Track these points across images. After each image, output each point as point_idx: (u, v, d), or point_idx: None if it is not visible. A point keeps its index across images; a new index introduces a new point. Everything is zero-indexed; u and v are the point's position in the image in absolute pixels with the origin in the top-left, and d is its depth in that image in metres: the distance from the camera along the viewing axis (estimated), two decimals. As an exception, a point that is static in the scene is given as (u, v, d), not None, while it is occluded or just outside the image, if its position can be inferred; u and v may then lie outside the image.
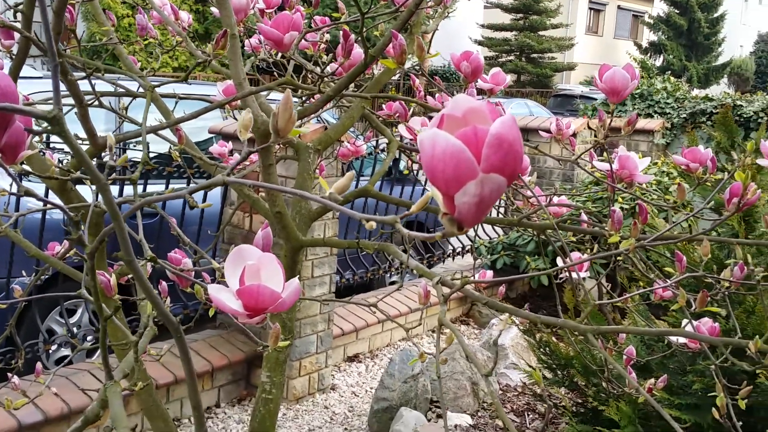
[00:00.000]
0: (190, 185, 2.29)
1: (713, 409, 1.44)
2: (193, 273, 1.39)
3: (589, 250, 4.10)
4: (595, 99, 15.72)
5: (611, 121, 1.61)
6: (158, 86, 1.74)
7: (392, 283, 5.60)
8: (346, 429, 3.73)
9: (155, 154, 3.91)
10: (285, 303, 0.88)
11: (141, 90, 2.19)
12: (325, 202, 0.61)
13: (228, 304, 0.83)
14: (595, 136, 5.95)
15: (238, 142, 3.76)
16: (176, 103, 2.17)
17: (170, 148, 2.09)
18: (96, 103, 1.76)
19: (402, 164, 4.95)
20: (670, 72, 12.58)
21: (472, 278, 1.41)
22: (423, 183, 5.19)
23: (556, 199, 2.32)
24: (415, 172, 4.83)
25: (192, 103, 2.75)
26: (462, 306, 5.39)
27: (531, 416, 3.86)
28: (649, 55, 32.32)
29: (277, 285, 0.88)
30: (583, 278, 2.23)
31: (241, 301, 0.85)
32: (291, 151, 2.44)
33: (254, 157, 2.74)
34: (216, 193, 4.24)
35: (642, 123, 7.11)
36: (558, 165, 5.72)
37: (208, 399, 3.72)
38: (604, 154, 1.70)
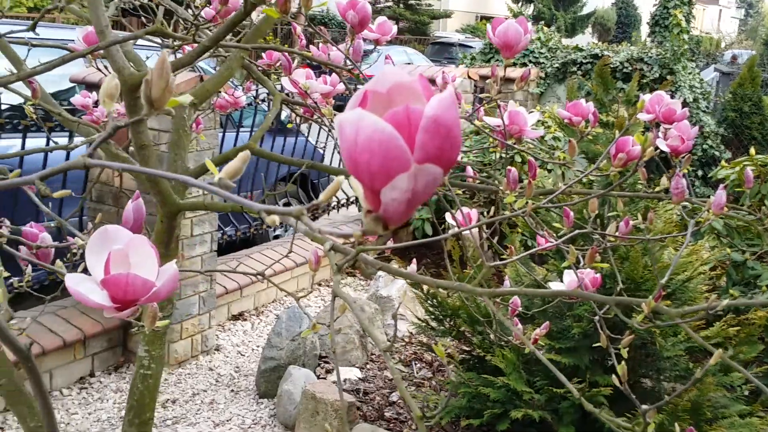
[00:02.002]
0: (51, 144, 2.09)
1: (613, 375, 1.45)
2: (53, 249, 1.24)
3: (476, 204, 4.14)
4: (473, 47, 15.93)
5: (504, 75, 1.57)
6: (5, 35, 1.53)
7: (276, 237, 5.48)
8: (232, 391, 3.64)
9: (7, 106, 3.58)
10: (161, 292, 0.78)
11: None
12: (215, 191, 0.51)
13: (90, 297, 0.72)
14: (475, 86, 6.00)
15: (104, 93, 3.49)
16: (28, 50, 1.94)
17: (24, 101, 1.88)
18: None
19: (284, 115, 4.79)
20: (543, 22, 12.87)
21: (365, 244, 1.35)
22: (306, 135, 5.06)
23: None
24: (297, 124, 4.71)
25: (48, 49, 2.49)
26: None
27: (419, 365, 3.91)
28: (520, 4, 33.03)
29: (150, 272, 0.78)
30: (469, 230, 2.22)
31: (107, 292, 0.74)
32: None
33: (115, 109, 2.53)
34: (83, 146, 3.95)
35: (518, 72, 7.25)
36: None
37: (82, 368, 3.52)
38: (498, 110, 1.66)
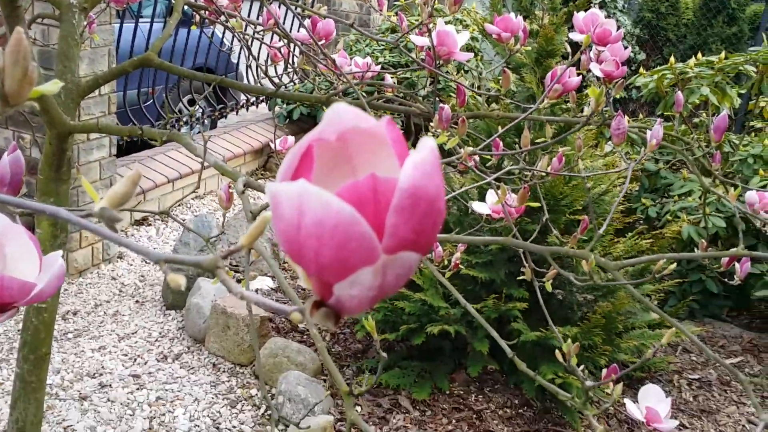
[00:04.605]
0: None
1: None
2: None
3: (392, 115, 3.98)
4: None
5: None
6: None
7: (181, 136, 5.20)
8: (137, 302, 3.50)
9: None
10: (44, 293, 0.64)
11: None
12: (97, 230, 0.38)
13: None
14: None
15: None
16: None
17: None
18: None
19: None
20: None
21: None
22: (212, 30, 4.71)
23: (359, 60, 2.14)
24: (201, 26, 4.36)
25: None
26: (258, 158, 5.17)
27: (331, 274, 3.86)
28: None
29: (30, 267, 0.64)
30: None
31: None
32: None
33: None
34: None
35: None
36: (354, 9, 5.46)
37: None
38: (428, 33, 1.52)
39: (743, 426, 3.03)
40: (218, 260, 0.37)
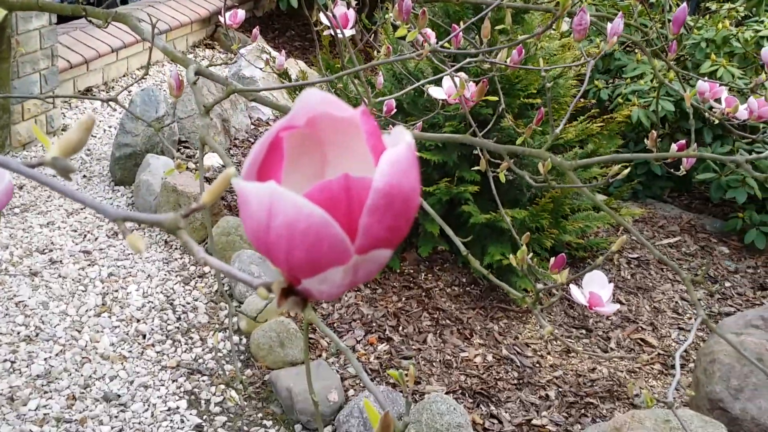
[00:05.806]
0: None
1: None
2: None
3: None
4: None
5: None
6: None
7: (125, 2, 4.93)
8: (85, 176, 3.43)
9: None
10: (-6, 209, 0.62)
11: None
12: (49, 182, 0.36)
13: None
14: None
15: None
16: None
17: None
18: None
19: None
20: None
21: (234, 85, 1.18)
22: None
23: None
24: None
25: None
26: (206, 27, 4.96)
27: (283, 150, 3.83)
28: None
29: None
30: (350, 36, 2.04)
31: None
32: None
33: None
34: None
35: None
36: None
37: None
38: None
39: (676, 302, 3.20)
40: (179, 220, 0.36)
